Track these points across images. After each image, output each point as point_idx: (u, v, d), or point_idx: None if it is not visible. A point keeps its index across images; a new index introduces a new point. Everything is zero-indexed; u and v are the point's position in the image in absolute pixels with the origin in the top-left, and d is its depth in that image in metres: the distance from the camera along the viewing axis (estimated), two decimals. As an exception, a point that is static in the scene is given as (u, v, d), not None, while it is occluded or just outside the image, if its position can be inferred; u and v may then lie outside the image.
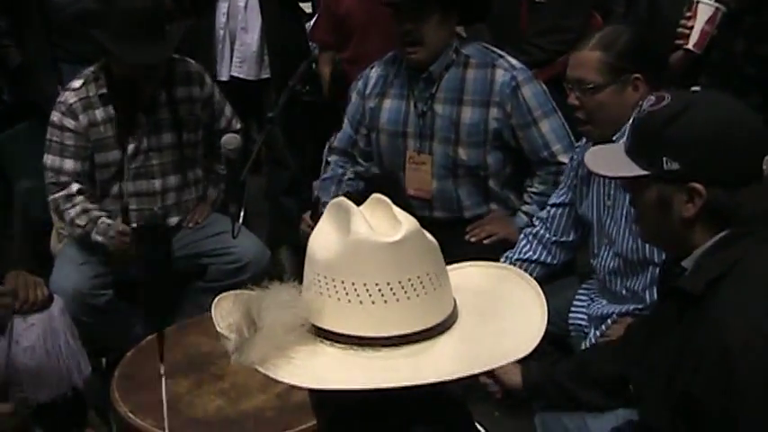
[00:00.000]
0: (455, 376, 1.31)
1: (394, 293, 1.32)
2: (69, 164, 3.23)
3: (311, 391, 1.39)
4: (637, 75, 2.59)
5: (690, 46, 3.17)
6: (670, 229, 1.84)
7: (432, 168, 3.22)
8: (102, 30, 3.14)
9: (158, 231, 2.62)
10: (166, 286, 2.58)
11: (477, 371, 1.34)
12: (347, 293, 1.33)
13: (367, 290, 1.32)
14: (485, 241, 3.18)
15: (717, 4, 3.13)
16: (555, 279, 2.99)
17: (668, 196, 1.81)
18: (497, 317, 1.45)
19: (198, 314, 2.96)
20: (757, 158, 1.78)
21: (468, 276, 1.55)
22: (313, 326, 1.35)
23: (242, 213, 3.05)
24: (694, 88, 2.87)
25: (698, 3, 3.15)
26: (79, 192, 3.24)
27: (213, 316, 1.42)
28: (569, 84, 2.68)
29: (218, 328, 1.38)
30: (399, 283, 1.32)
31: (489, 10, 3.28)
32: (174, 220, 3.45)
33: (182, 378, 2.55)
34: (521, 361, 2.25)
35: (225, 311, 1.40)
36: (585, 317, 2.82)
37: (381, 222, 1.37)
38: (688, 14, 3.18)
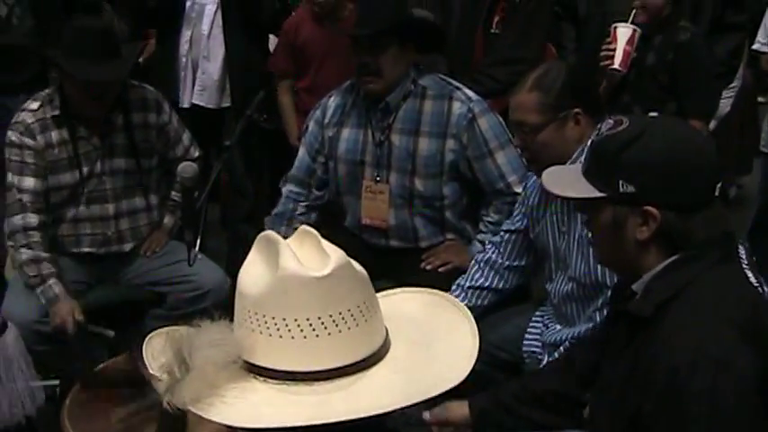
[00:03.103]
0: (390, 408, 1.30)
1: (325, 327, 1.32)
2: (29, 182, 3.21)
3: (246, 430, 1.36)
4: (576, 110, 2.63)
5: (616, 66, 3.53)
6: (623, 252, 1.86)
7: (389, 198, 3.24)
8: (55, 48, 3.15)
9: None
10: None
11: (412, 401, 1.33)
12: (278, 329, 1.32)
13: (298, 325, 1.31)
14: (440, 269, 3.20)
15: (633, 26, 3.53)
16: (509, 306, 3.02)
17: (623, 218, 1.83)
18: (429, 344, 1.44)
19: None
20: (710, 184, 1.84)
21: (398, 303, 1.54)
22: (245, 362, 1.34)
23: (198, 241, 3.04)
24: (652, 114, 2.99)
25: (616, 27, 3.54)
26: (38, 225, 3.21)
27: (144, 355, 1.40)
28: (511, 125, 2.74)
29: (150, 369, 1.36)
30: (330, 316, 1.32)
31: (445, 40, 3.32)
32: (128, 246, 3.43)
33: (131, 406, 2.53)
34: (466, 393, 2.28)
35: (156, 351, 1.38)
36: (540, 344, 2.84)
37: (310, 256, 1.37)
38: (608, 39, 3.54)
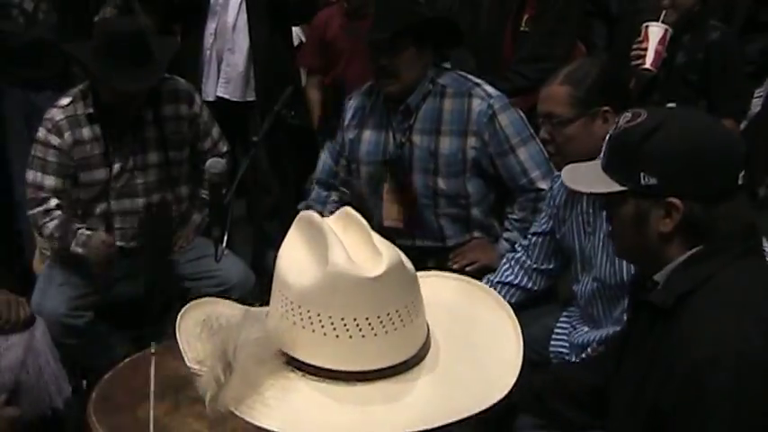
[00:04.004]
0: (431, 425, 1.28)
1: (372, 329, 1.28)
2: (50, 180, 3.23)
3: None
4: (606, 108, 2.62)
5: (647, 65, 3.49)
6: (646, 244, 1.84)
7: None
8: (86, 54, 3.15)
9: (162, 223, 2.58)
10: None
11: (454, 419, 1.29)
12: (323, 326, 1.28)
13: (344, 324, 1.28)
14: (467, 268, 3.18)
15: (665, 26, 3.49)
16: (536, 306, 3.01)
17: (645, 211, 1.81)
18: (471, 346, 1.42)
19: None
20: (733, 173, 1.80)
21: (435, 288, 1.50)
22: (287, 356, 1.31)
23: (225, 237, 3.04)
24: (670, 105, 2.98)
25: (647, 27, 3.50)
26: (57, 206, 3.23)
27: (179, 341, 1.36)
28: (539, 117, 2.72)
29: (186, 357, 1.33)
30: (378, 318, 1.28)
31: (462, 38, 3.30)
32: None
33: (159, 401, 2.54)
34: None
35: (191, 336, 1.34)
36: (567, 345, 2.83)
37: (360, 250, 1.33)
38: (639, 39, 3.50)
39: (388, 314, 1.29)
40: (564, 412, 2.24)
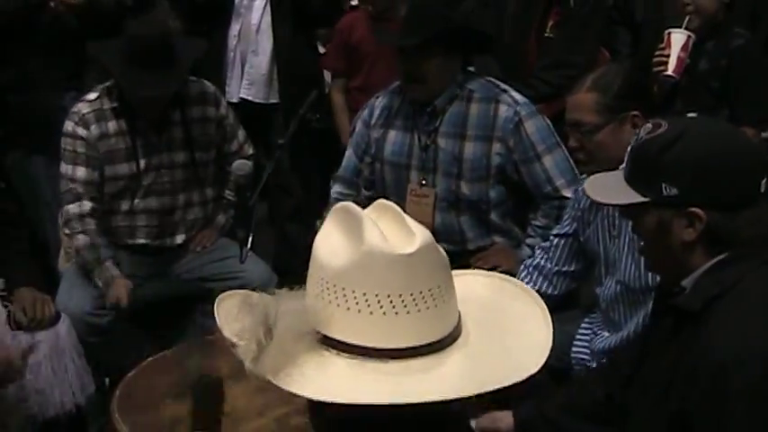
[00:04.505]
0: (464, 394, 1.30)
1: (405, 305, 1.31)
2: (81, 172, 3.26)
3: (313, 404, 1.37)
4: (634, 112, 2.62)
5: (670, 72, 3.47)
6: (670, 254, 1.85)
7: (434, 201, 3.24)
8: (110, 57, 3.19)
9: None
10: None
11: (485, 389, 1.33)
12: (357, 303, 1.30)
13: (378, 301, 1.30)
14: (488, 273, 3.19)
15: (688, 32, 3.47)
16: (557, 312, 3.00)
17: (668, 221, 1.83)
18: (502, 331, 1.44)
19: (203, 337, 2.98)
20: (755, 180, 1.81)
21: (470, 285, 1.53)
22: (321, 335, 1.34)
23: (250, 239, 3.07)
24: (690, 114, 2.97)
25: (670, 33, 3.48)
26: (92, 212, 3.26)
27: (217, 319, 1.40)
28: (568, 126, 2.73)
29: (224, 333, 1.36)
30: (411, 295, 1.31)
31: (491, 44, 3.31)
32: (180, 238, 3.48)
33: (180, 400, 2.57)
34: (513, 402, 2.27)
35: (230, 315, 1.37)
36: (588, 351, 2.83)
37: (394, 231, 1.36)
38: (662, 45, 3.48)
39: (421, 292, 1.32)
40: (574, 429, 2.25)
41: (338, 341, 1.33)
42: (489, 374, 1.34)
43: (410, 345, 1.32)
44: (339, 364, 1.32)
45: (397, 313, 1.31)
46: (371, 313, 1.31)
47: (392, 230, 1.36)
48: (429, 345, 1.33)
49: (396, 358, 1.32)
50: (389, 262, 1.30)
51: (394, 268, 1.30)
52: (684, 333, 1.81)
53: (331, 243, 1.36)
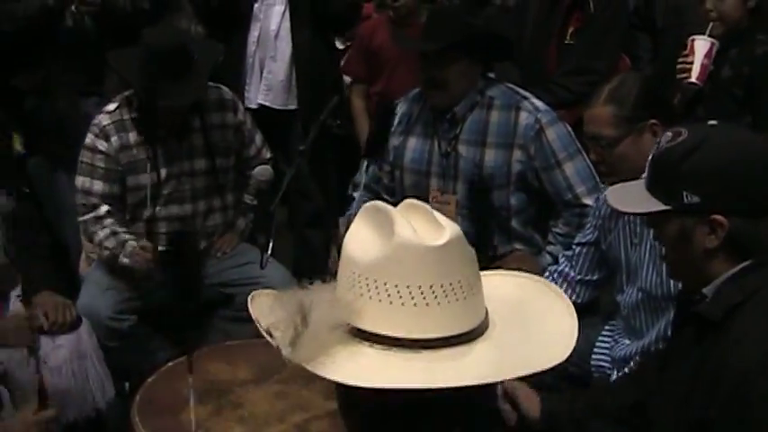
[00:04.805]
0: (494, 379, 1.33)
1: (435, 296, 1.32)
2: (98, 185, 3.28)
3: (344, 394, 1.39)
4: (653, 121, 2.61)
5: (693, 79, 3.44)
6: (691, 261, 1.86)
7: (455, 208, 3.23)
8: (129, 67, 3.20)
9: (188, 253, 2.62)
10: (195, 307, 2.60)
11: (512, 376, 1.37)
12: (389, 295, 1.32)
13: (409, 292, 1.32)
14: (509, 279, 3.17)
15: (711, 39, 3.43)
16: (578, 318, 2.99)
17: (690, 229, 1.83)
18: (527, 324, 1.45)
19: (223, 342, 2.99)
20: None
21: (492, 284, 1.53)
22: (353, 327, 1.35)
23: (270, 244, 3.07)
24: (711, 122, 2.96)
25: (693, 40, 3.45)
26: (108, 213, 3.28)
27: (252, 314, 1.42)
28: (587, 140, 2.72)
29: (259, 327, 1.39)
30: (441, 286, 1.33)
31: (514, 51, 3.30)
32: (201, 245, 3.48)
33: (201, 405, 2.57)
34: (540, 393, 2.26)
35: (264, 310, 1.40)
36: (608, 358, 2.82)
37: (424, 226, 1.38)
38: (685, 52, 3.45)
39: (451, 284, 1.33)
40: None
41: (370, 333, 1.35)
42: (517, 361, 1.37)
43: (441, 335, 1.34)
44: (370, 354, 1.34)
45: (427, 304, 1.33)
46: (403, 304, 1.33)
47: (422, 225, 1.38)
48: (458, 336, 1.35)
49: (427, 348, 1.33)
50: (420, 253, 1.32)
51: (425, 260, 1.32)
52: (706, 341, 1.81)
53: (361, 239, 1.38)
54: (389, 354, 1.33)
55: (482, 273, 1.50)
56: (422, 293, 1.32)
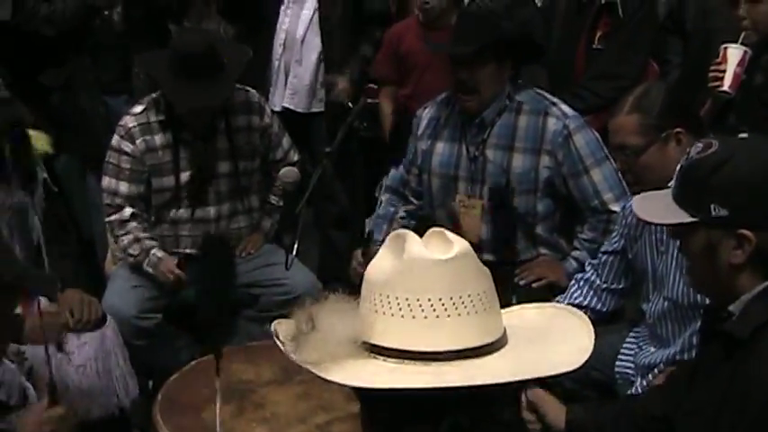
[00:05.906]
0: (503, 380, 1.32)
1: (445, 309, 1.34)
2: (124, 187, 3.30)
3: (363, 402, 1.40)
4: (678, 129, 2.59)
5: (725, 88, 3.37)
6: (717, 275, 1.84)
7: (481, 213, 3.22)
8: (157, 70, 3.22)
9: (219, 257, 2.64)
10: (222, 312, 2.62)
11: (527, 377, 1.36)
12: (400, 308, 1.34)
13: (420, 305, 1.33)
14: (533, 284, 3.16)
15: (744, 47, 3.36)
16: (602, 325, 2.98)
17: (716, 242, 1.81)
18: (544, 340, 1.46)
19: (246, 342, 3.00)
20: None
21: (515, 313, 1.55)
22: (365, 342, 1.37)
23: (296, 246, 3.08)
24: (742, 135, 2.94)
25: (726, 48, 3.36)
26: (132, 216, 3.31)
27: (275, 336, 1.43)
28: (612, 149, 2.71)
29: (282, 348, 1.40)
30: (451, 299, 1.34)
31: (543, 55, 3.28)
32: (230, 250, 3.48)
33: (223, 404, 2.58)
34: (566, 403, 2.25)
35: (287, 334, 1.41)
36: (632, 365, 2.80)
37: (435, 242, 1.40)
38: (717, 60, 3.38)
39: (461, 297, 1.35)
40: None
41: (381, 347, 1.36)
42: (529, 366, 1.38)
43: (453, 348, 1.34)
44: (379, 364, 1.35)
45: (438, 317, 1.34)
46: (414, 317, 1.34)
47: (433, 242, 1.40)
48: (472, 349, 1.35)
49: (438, 361, 1.34)
50: (428, 266, 1.35)
51: (433, 272, 1.35)
52: (734, 359, 1.79)
53: (380, 263, 1.41)
54: (400, 365, 1.34)
55: (506, 309, 1.51)
56: (432, 306, 1.34)
